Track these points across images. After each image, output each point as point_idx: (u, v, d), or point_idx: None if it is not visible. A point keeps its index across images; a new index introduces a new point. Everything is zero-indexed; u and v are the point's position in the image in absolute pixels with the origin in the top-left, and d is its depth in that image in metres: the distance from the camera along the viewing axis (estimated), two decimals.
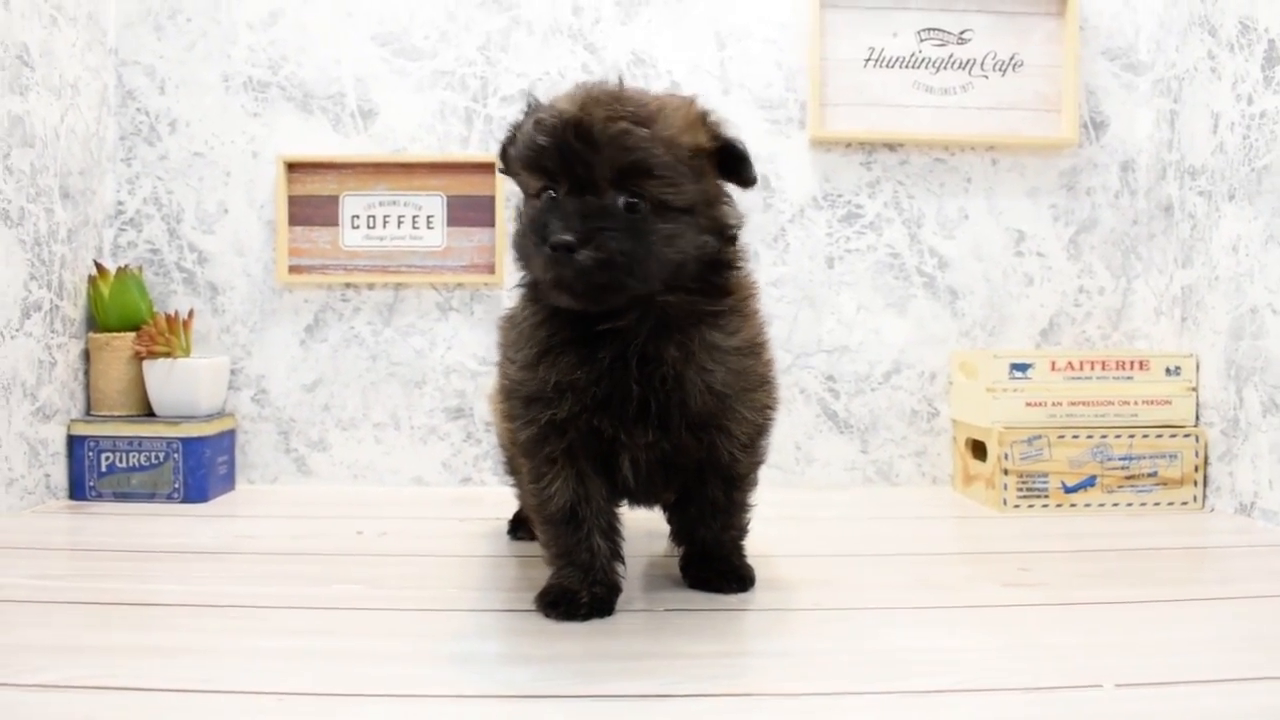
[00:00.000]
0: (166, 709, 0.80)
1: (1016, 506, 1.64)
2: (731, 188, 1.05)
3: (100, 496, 1.69)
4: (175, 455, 1.68)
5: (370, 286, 1.87)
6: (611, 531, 1.09)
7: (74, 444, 1.69)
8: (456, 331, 1.88)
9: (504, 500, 1.47)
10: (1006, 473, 1.65)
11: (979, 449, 1.75)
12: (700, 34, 1.87)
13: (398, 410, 1.88)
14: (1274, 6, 1.53)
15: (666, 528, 1.22)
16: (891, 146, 1.88)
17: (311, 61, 1.86)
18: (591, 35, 1.86)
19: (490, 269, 1.85)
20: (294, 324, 1.87)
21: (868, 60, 1.86)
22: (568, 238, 0.91)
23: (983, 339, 1.90)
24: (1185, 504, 1.66)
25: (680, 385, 1.01)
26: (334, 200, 1.85)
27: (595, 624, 1.02)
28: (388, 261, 1.86)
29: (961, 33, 1.87)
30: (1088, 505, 1.65)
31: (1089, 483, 1.65)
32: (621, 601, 1.08)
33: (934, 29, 1.86)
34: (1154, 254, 1.88)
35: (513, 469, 1.25)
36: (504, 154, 1.06)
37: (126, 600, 1.10)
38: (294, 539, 1.44)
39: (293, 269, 1.85)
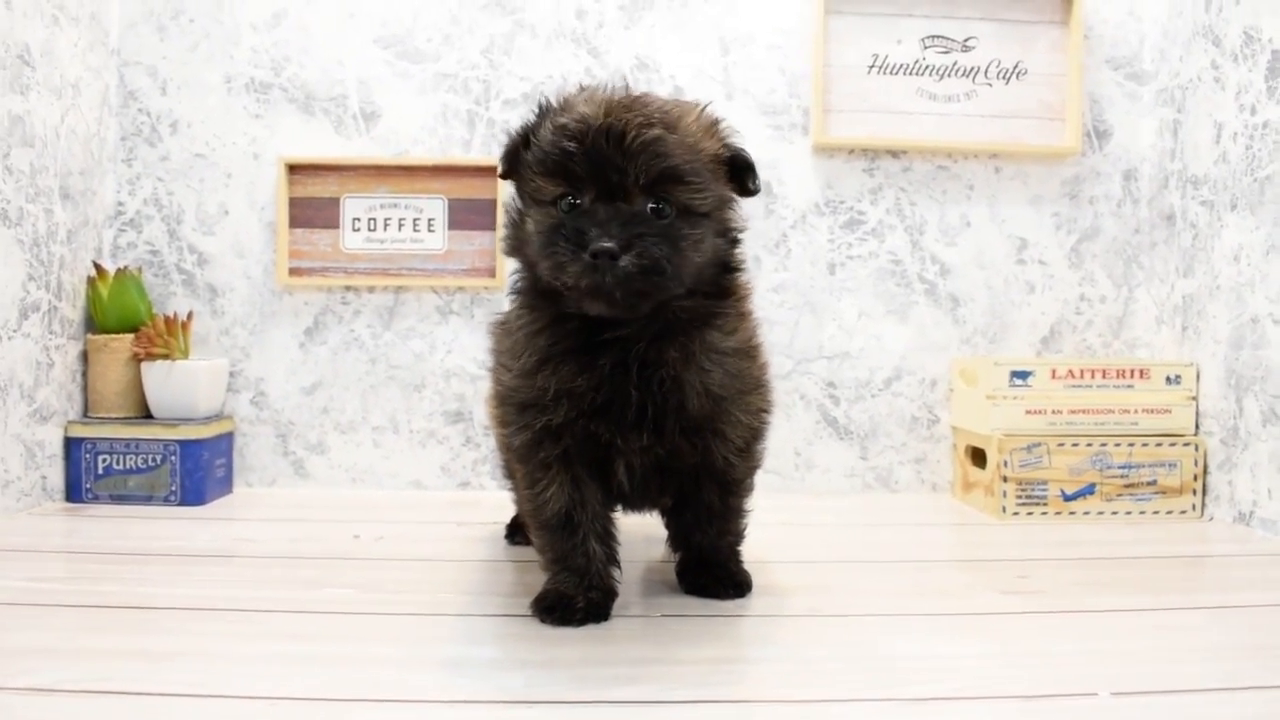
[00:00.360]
0: (160, 713, 0.80)
1: (1015, 514, 1.64)
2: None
3: (97, 499, 1.68)
4: (173, 458, 1.68)
5: (370, 289, 1.87)
6: (607, 536, 1.08)
7: (71, 446, 1.69)
8: (456, 335, 1.87)
9: (502, 504, 1.47)
10: (1006, 480, 1.64)
11: (979, 456, 1.75)
12: (704, 39, 1.87)
13: (397, 414, 1.87)
14: (1279, 17, 1.53)
15: (664, 533, 1.22)
16: (894, 153, 1.88)
17: (314, 63, 1.86)
18: (595, 39, 1.86)
19: (491, 273, 1.85)
20: (293, 326, 1.87)
21: (871, 67, 1.86)
22: (610, 244, 0.90)
23: (984, 346, 1.90)
24: (1184, 513, 1.66)
25: (679, 387, 1.00)
26: (335, 202, 1.85)
27: (591, 629, 1.02)
28: (388, 264, 1.86)
29: (966, 40, 1.87)
30: (1087, 513, 1.65)
31: (1088, 491, 1.65)
32: (618, 607, 1.07)
33: (938, 36, 1.86)
34: (1155, 263, 1.87)
35: (510, 473, 1.25)
36: (512, 158, 1.03)
37: (122, 603, 1.10)
38: (291, 542, 1.43)
39: (293, 271, 1.84)
